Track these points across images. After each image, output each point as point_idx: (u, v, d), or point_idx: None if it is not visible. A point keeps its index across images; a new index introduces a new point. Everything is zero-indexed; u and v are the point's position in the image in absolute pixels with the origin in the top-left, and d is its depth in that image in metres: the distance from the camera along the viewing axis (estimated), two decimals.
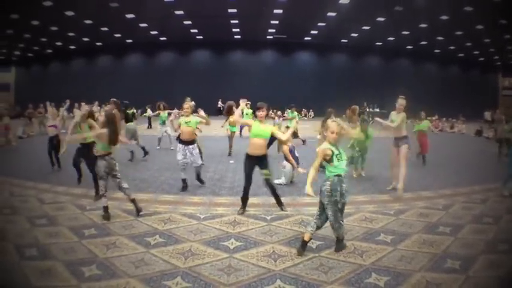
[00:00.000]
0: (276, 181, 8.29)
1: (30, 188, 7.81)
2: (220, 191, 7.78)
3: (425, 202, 7.05)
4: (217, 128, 15.73)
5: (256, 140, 6.19)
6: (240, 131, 17.02)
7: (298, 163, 8.42)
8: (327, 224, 4.53)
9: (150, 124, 22.18)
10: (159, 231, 5.36)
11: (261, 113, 6.24)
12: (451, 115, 28.64)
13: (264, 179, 6.31)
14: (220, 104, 34.61)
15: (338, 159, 4.52)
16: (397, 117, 7.57)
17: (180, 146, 7.82)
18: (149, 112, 21.15)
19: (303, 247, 4.64)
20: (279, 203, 6.47)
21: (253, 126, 6.22)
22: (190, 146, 7.72)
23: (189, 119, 7.79)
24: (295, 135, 11.88)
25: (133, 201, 6.04)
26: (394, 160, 7.77)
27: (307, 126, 14.56)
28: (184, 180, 7.81)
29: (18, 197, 7.11)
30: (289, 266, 4.33)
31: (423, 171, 10.16)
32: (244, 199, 6.38)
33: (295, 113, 15.64)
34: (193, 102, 9.09)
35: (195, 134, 8.15)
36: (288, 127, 9.14)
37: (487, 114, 27.36)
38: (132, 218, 5.93)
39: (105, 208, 5.88)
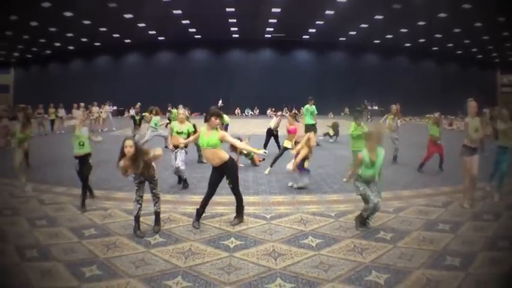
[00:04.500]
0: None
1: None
2: (220, 190, 7.73)
3: (425, 199, 7.05)
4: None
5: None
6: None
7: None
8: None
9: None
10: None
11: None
12: (449, 112, 28.64)
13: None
14: (220, 103, 34.62)
15: None
16: (477, 124, 6.75)
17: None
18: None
19: None
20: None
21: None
22: (177, 150, 7.72)
23: (181, 128, 7.92)
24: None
25: None
26: (469, 171, 6.75)
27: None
28: (184, 180, 7.96)
29: (19, 198, 7.09)
30: (289, 264, 4.33)
31: (422, 169, 10.08)
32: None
33: (313, 107, 13.95)
34: (184, 109, 8.84)
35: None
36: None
37: (486, 112, 27.28)
38: (131, 218, 5.91)
39: None
